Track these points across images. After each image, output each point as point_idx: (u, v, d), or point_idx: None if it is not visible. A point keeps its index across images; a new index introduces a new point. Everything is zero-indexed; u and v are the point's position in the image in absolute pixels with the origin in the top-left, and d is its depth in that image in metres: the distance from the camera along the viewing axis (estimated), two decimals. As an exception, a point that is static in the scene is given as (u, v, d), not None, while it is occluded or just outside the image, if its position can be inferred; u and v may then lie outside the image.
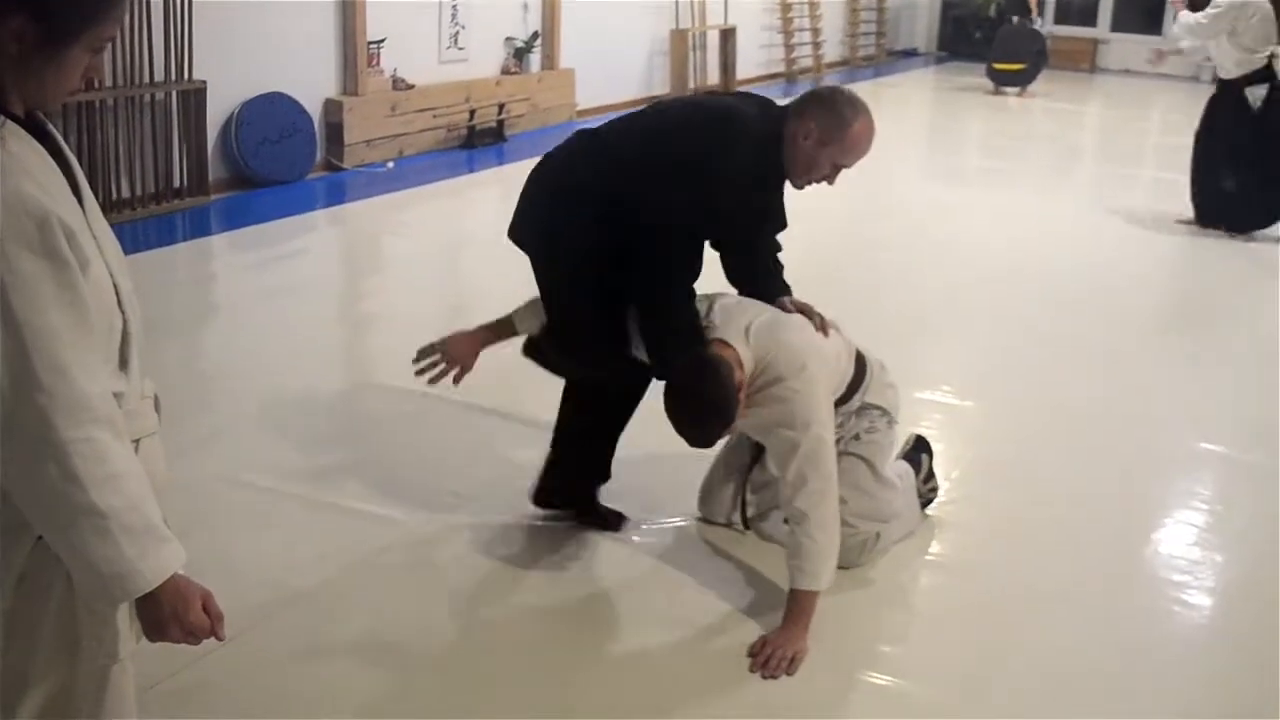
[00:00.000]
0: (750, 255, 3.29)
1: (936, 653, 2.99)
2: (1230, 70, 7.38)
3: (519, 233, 3.21)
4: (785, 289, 3.28)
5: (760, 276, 3.28)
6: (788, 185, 3.15)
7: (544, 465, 3.44)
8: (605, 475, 3.43)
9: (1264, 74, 7.27)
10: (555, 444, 3.42)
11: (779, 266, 3.33)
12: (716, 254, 3.25)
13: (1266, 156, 7.32)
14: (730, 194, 3.01)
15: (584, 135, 3.21)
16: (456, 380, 3.30)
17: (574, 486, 3.44)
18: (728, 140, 2.98)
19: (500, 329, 3.30)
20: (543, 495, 3.46)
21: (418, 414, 4.17)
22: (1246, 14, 7.16)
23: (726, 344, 2.93)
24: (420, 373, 3.28)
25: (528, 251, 3.21)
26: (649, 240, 2.98)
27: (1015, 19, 13.88)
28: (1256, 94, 7.32)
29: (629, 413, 3.37)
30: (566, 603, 3.13)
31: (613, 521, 3.43)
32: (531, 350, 3.34)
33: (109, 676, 1.71)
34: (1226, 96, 7.50)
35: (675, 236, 3.00)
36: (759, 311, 3.06)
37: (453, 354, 3.27)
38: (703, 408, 2.86)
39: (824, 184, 3.11)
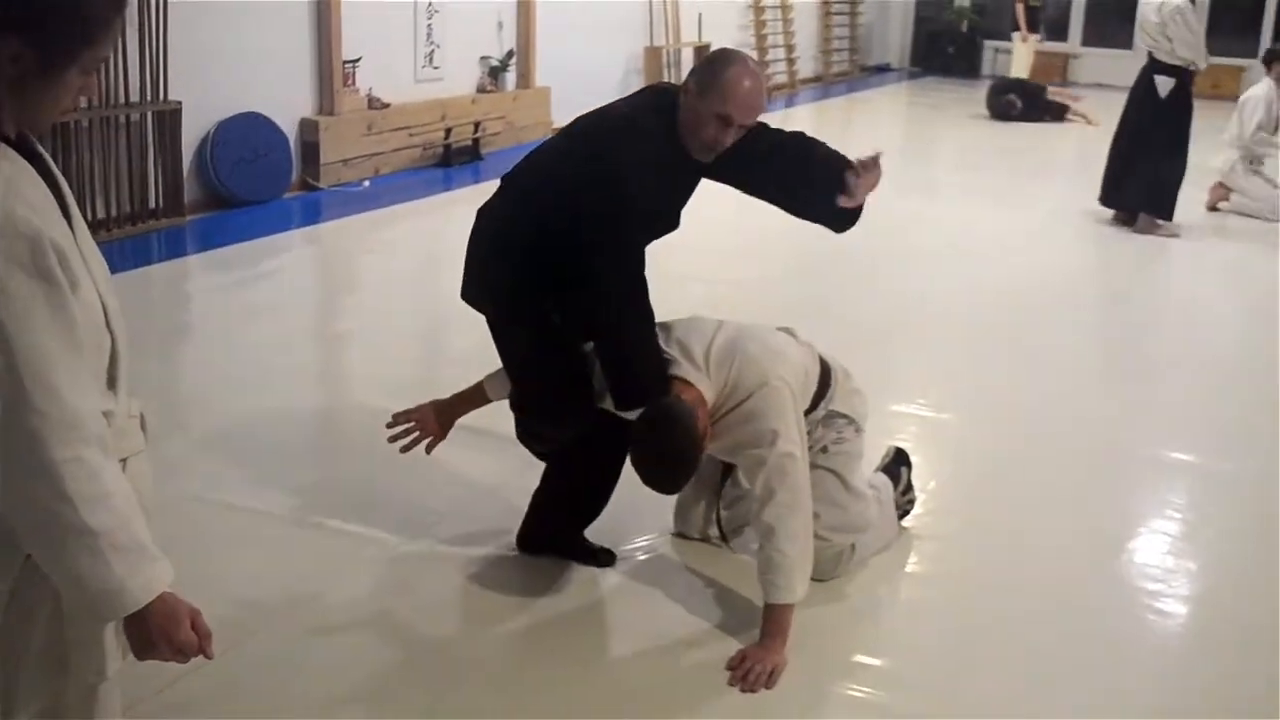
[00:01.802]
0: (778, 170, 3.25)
1: (915, 664, 3.01)
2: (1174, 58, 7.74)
3: (469, 292, 3.21)
4: (833, 158, 3.22)
5: (807, 175, 3.24)
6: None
7: (528, 512, 3.41)
8: (592, 519, 3.40)
9: (1177, 68, 7.75)
10: (540, 496, 3.39)
11: (816, 148, 3.26)
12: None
13: (1165, 143, 7.75)
14: (645, 192, 2.97)
15: (503, 178, 3.20)
16: (429, 449, 3.30)
17: (559, 536, 3.41)
18: (630, 143, 2.97)
19: (473, 397, 3.31)
20: (528, 543, 3.42)
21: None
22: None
23: (687, 383, 2.93)
24: (393, 439, 3.28)
25: (480, 309, 3.21)
26: (589, 264, 2.95)
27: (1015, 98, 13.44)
28: (1165, 84, 7.74)
29: (615, 473, 3.33)
30: (544, 620, 3.14)
31: (603, 558, 3.39)
32: (522, 434, 3.32)
33: (97, 695, 1.72)
34: (1139, 85, 7.94)
35: (611, 253, 2.97)
36: (714, 331, 3.06)
37: (426, 423, 3.27)
38: (665, 461, 2.87)
39: (720, 146, 3.03)
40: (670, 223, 3.20)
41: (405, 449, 3.29)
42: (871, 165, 3.14)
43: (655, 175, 3.01)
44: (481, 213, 3.20)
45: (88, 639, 1.67)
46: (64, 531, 1.54)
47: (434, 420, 3.28)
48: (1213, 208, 8.71)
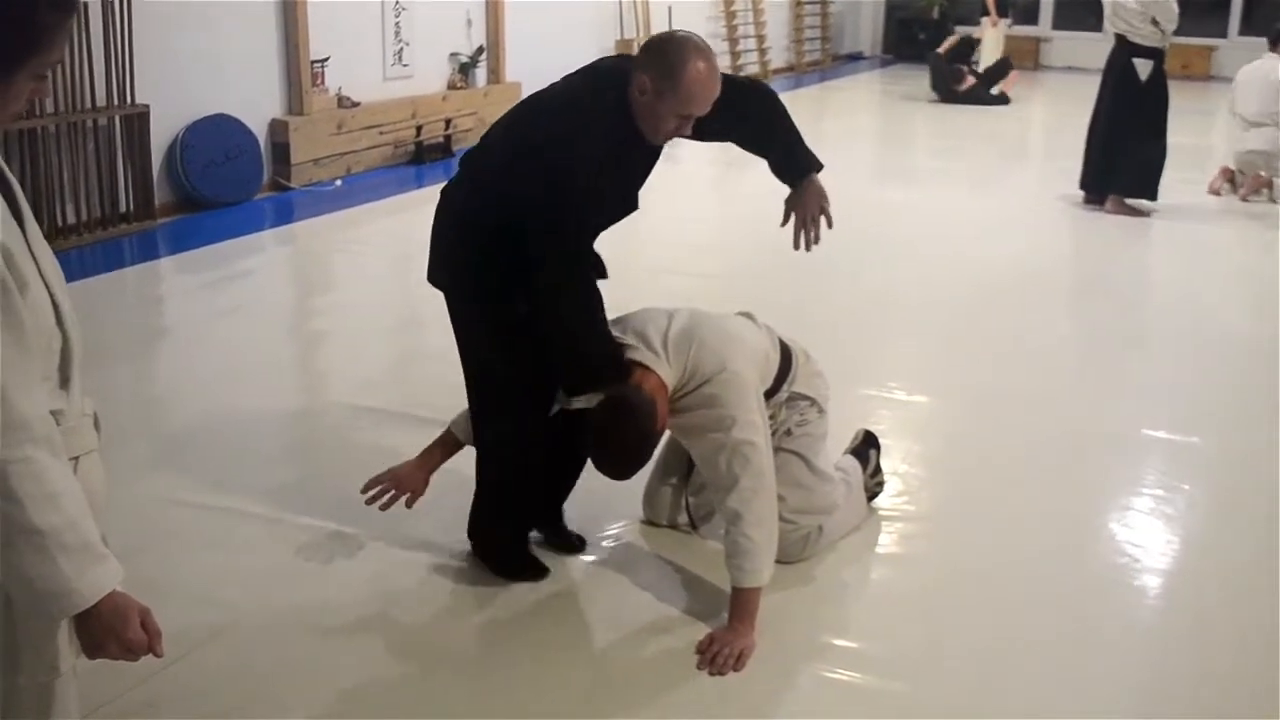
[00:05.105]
0: (745, 128, 3.29)
1: (885, 644, 3.03)
2: (1151, 40, 7.70)
3: (433, 274, 3.18)
4: (802, 157, 3.30)
5: (774, 141, 3.30)
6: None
7: (474, 503, 3.37)
8: (535, 520, 3.38)
9: (1154, 50, 7.71)
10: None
11: (781, 126, 3.31)
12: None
13: (1147, 125, 7.75)
14: (593, 172, 2.90)
15: (462, 159, 3.17)
16: (409, 504, 3.28)
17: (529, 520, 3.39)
18: (577, 124, 2.92)
19: (445, 445, 3.29)
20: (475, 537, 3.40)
21: (370, 430, 4.18)
22: None
23: (647, 369, 2.93)
24: (371, 501, 3.26)
25: (443, 290, 3.18)
26: (531, 248, 2.91)
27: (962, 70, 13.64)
28: (1144, 67, 7.70)
29: (574, 476, 3.33)
30: (515, 609, 3.15)
31: (575, 543, 3.40)
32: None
33: (52, 691, 1.72)
34: (1113, 69, 7.88)
35: (552, 236, 2.91)
36: (669, 318, 3.06)
37: (403, 482, 3.25)
38: (620, 450, 2.89)
39: (680, 135, 3.02)
40: (628, 204, 3.14)
41: (384, 507, 3.25)
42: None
43: (606, 155, 2.93)
44: (445, 192, 3.17)
45: (40, 637, 1.68)
46: (11, 531, 1.55)
47: (411, 478, 3.25)
48: (1215, 192, 8.59)
